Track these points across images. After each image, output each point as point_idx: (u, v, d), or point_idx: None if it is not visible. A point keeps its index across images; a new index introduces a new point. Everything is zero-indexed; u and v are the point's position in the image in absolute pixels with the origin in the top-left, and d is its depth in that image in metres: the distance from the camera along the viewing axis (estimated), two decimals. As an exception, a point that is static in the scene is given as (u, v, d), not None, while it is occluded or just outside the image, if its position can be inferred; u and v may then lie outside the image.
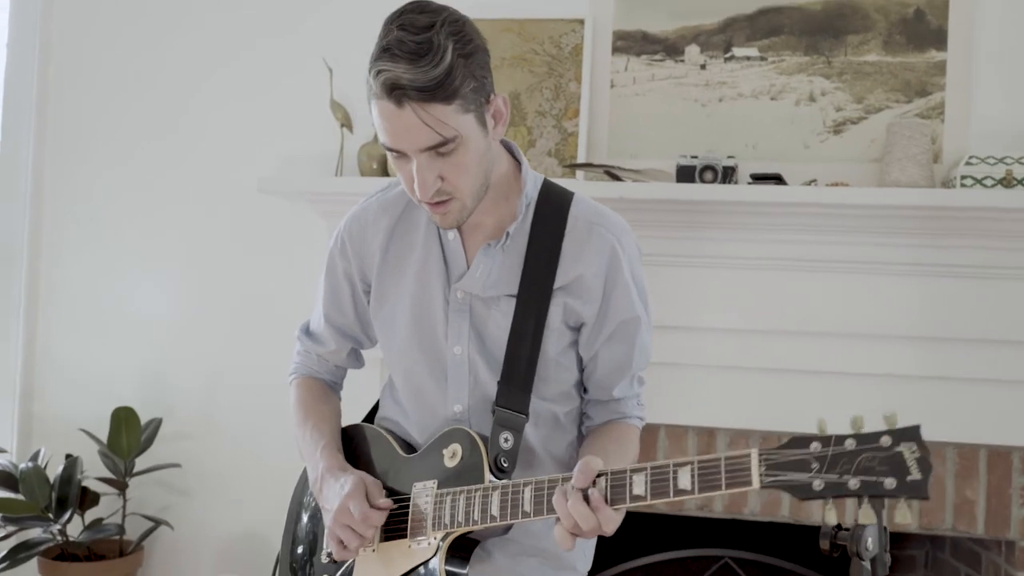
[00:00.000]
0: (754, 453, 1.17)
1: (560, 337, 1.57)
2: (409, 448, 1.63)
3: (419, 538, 1.49)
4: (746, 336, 2.50)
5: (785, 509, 2.52)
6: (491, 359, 1.56)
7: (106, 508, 2.91)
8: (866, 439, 1.11)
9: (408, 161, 1.42)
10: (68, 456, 2.87)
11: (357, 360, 1.80)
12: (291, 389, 1.79)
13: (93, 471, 2.90)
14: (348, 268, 1.67)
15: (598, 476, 1.31)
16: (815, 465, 1.12)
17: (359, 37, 2.89)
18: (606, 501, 1.29)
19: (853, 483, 1.10)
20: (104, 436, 2.87)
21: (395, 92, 1.35)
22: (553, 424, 1.62)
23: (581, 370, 1.63)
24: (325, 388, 1.78)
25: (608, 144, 2.67)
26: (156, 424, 2.93)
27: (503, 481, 1.44)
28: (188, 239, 3.04)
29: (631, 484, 1.28)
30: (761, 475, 1.15)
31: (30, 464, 2.79)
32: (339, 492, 1.51)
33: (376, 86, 1.36)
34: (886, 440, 1.10)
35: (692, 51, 2.65)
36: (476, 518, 1.43)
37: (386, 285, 1.63)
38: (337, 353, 1.75)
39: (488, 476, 1.46)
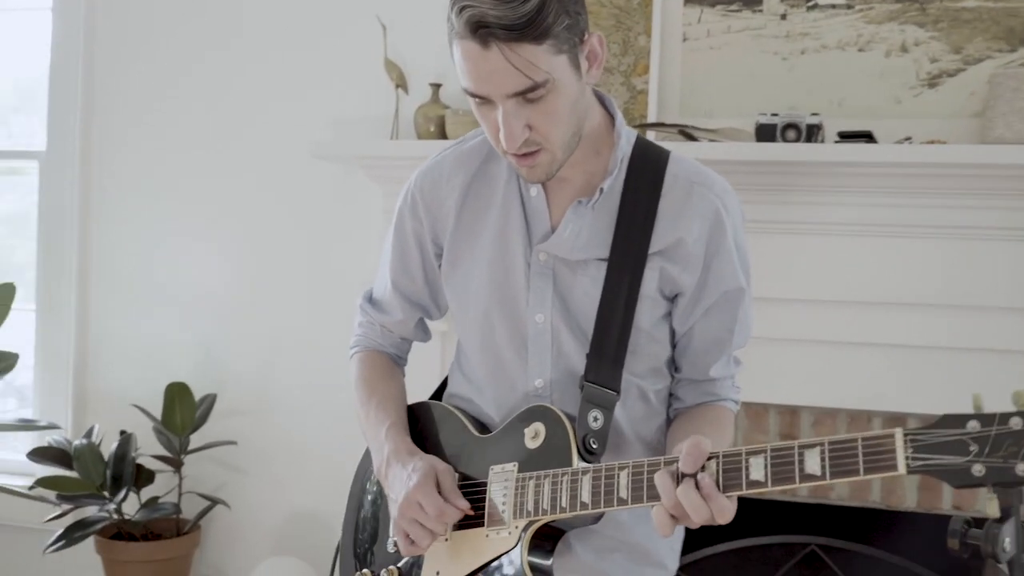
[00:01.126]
0: (898, 433, 1.02)
1: (654, 307, 1.42)
2: (483, 428, 1.49)
3: (497, 527, 1.35)
4: (832, 307, 2.33)
5: (876, 494, 2.35)
6: (576, 329, 1.42)
7: (163, 486, 2.84)
8: None
9: (493, 108, 1.28)
10: (123, 433, 2.81)
11: (424, 332, 1.66)
12: (352, 364, 1.65)
13: (148, 448, 2.83)
14: (419, 228, 1.53)
15: (708, 459, 1.16)
16: (973, 447, 0.98)
17: (415, -9, 2.78)
18: (718, 487, 1.15)
19: (1021, 468, 0.95)
20: (158, 412, 2.79)
21: (480, 31, 1.21)
22: (643, 403, 1.47)
23: (674, 345, 1.48)
24: (389, 363, 1.64)
25: (680, 102, 2.49)
26: (211, 400, 2.85)
27: (595, 464, 1.29)
28: (241, 208, 2.93)
29: (748, 468, 1.13)
30: (908, 459, 1.01)
31: (84, 441, 2.72)
32: (406, 481, 1.37)
33: (459, 25, 1.23)
34: None
35: (771, 0, 2.45)
36: (564, 505, 1.28)
37: (461, 247, 1.49)
38: (404, 324, 1.61)
39: (576, 458, 1.32)
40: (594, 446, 1.35)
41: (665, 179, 1.41)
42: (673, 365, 1.50)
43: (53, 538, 2.65)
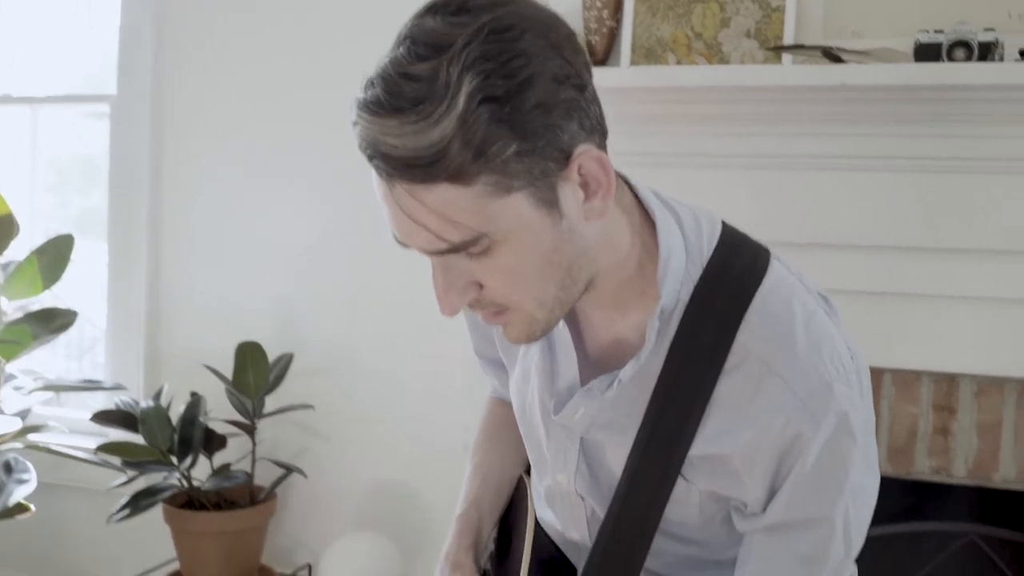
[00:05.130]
0: None
1: (705, 505, 0.99)
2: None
3: None
4: (1004, 258, 1.98)
5: (1053, 477, 2.01)
6: (607, 502, 1.01)
7: (236, 452, 2.62)
8: None
9: None
10: (193, 395, 2.60)
11: None
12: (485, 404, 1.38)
13: (220, 412, 2.61)
14: None
15: None
16: None
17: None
18: None
19: None
20: (231, 373, 2.57)
21: (374, 161, 0.83)
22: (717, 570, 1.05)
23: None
24: (511, 415, 1.32)
25: (823, 20, 2.14)
26: (287, 360, 2.62)
27: None
28: (320, 158, 2.67)
29: None
30: None
31: (151, 403, 2.52)
32: None
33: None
34: None
35: None
36: None
37: None
38: (503, 385, 1.29)
39: None
40: None
41: (733, 347, 0.90)
42: None
43: (119, 506, 2.45)
